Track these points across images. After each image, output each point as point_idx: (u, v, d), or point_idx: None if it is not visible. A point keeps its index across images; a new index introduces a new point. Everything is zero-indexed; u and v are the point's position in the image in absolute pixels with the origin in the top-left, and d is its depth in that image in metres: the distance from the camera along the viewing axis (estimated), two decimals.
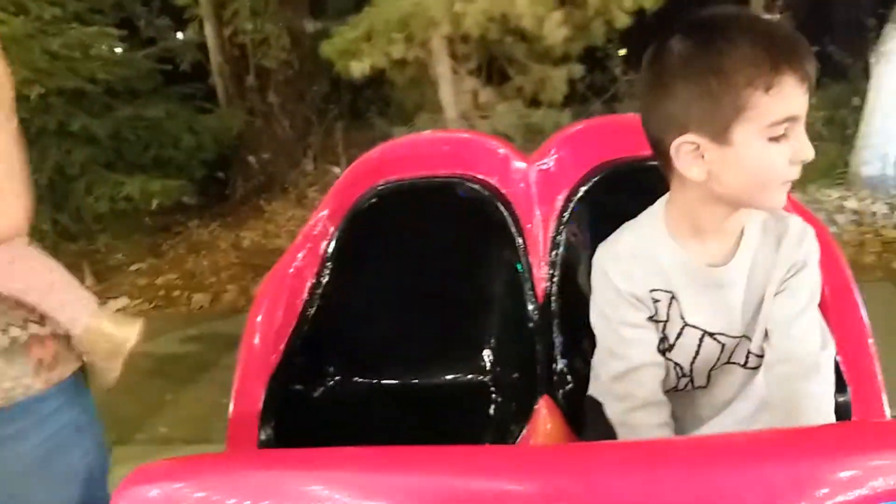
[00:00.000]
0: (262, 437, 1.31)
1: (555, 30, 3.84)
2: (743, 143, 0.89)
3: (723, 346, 1.06)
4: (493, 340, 1.59)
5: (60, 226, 3.67)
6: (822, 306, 1.08)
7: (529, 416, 1.31)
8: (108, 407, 2.73)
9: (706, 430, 1.13)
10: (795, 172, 0.91)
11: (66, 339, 1.16)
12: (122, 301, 3.42)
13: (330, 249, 1.49)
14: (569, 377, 1.34)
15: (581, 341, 1.29)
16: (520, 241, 1.46)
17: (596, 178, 1.43)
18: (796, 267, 1.02)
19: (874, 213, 3.82)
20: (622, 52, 4.96)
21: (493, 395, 1.54)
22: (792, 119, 0.88)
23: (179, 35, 5.21)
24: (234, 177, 4.66)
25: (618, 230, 1.08)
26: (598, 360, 1.11)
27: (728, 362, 1.08)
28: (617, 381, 1.06)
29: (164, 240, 4.06)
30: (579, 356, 1.31)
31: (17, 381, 1.08)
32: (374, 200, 1.51)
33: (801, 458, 0.68)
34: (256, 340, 1.36)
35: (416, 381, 1.58)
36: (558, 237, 1.42)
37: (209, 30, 4.86)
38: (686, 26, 0.93)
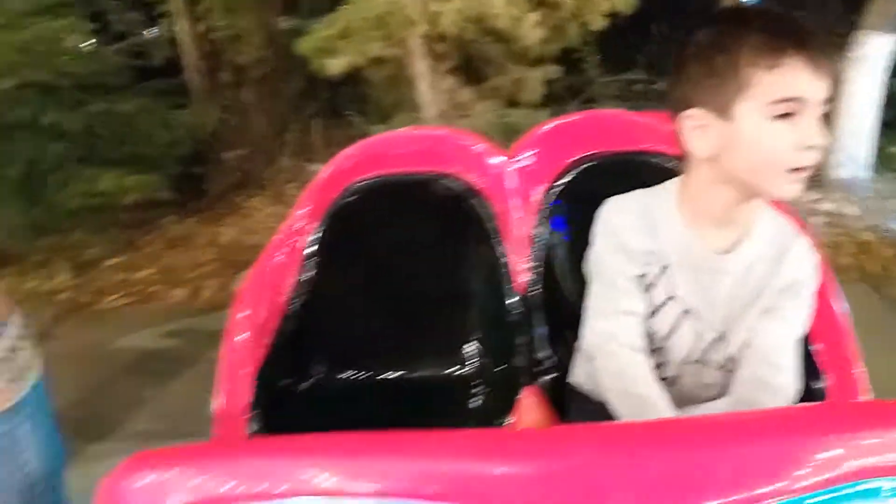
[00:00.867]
0: (251, 431, 1.33)
1: (531, 31, 3.88)
2: (744, 119, 0.93)
3: (699, 335, 1.08)
4: (475, 334, 1.62)
5: (33, 220, 3.64)
6: None
7: (514, 406, 1.34)
8: (85, 405, 2.73)
9: None
10: (806, 159, 0.92)
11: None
12: None
13: (310, 246, 1.51)
14: (551, 367, 1.38)
15: (563, 331, 1.32)
16: (498, 236, 1.49)
17: (574, 173, 1.47)
18: (796, 287, 1.04)
19: (848, 216, 3.91)
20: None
21: (478, 388, 1.58)
22: (797, 100, 0.91)
23: (154, 30, 5.17)
24: (210, 173, 4.64)
25: (630, 192, 1.10)
26: (590, 309, 1.10)
27: (699, 361, 1.09)
28: (605, 323, 1.06)
29: (141, 235, 4.04)
30: (562, 346, 1.35)
31: None
32: (353, 197, 1.54)
33: (781, 438, 0.70)
34: (240, 337, 1.38)
35: (401, 375, 1.61)
36: (537, 231, 1.46)
37: (182, 25, 4.83)
38: (707, 18, 0.99)
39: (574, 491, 0.69)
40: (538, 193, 1.48)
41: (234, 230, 4.16)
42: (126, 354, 3.12)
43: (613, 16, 4.11)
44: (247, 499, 0.74)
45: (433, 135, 1.67)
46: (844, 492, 0.68)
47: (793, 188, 0.94)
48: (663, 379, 1.09)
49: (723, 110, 0.93)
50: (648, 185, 1.10)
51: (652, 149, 1.41)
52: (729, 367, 1.08)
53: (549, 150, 1.49)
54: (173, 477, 0.76)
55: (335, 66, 3.89)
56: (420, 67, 4.03)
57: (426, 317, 1.58)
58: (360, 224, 1.53)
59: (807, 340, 1.15)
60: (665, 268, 1.05)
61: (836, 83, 4.04)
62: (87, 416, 2.67)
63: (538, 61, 4.37)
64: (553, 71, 4.43)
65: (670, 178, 1.08)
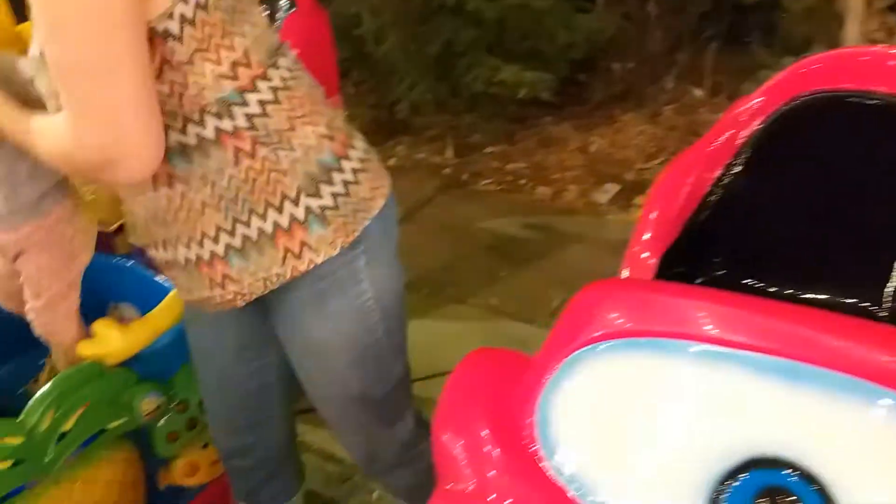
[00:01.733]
0: None
1: None
2: None
3: None
4: None
5: (437, 97, 4.01)
6: None
7: None
8: (444, 271, 3.02)
9: None
10: None
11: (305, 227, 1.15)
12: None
13: (748, 141, 1.44)
14: None
15: None
16: None
17: None
18: None
19: None
20: None
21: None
22: None
23: None
24: (594, 81, 4.67)
25: None
26: None
27: None
28: None
29: (519, 130, 4.25)
30: None
31: (269, 272, 1.13)
32: (810, 104, 1.41)
33: None
34: (655, 213, 1.38)
35: (799, 293, 1.48)
36: None
37: None
38: None
39: None
40: None
41: (604, 141, 4.18)
42: (487, 235, 3.39)
43: None
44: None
45: None
46: None
47: None
48: None
49: None
50: None
51: None
52: None
53: None
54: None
55: None
56: (854, 1, 3.57)
57: (850, 243, 1.42)
58: (810, 134, 1.41)
59: None
60: None
61: None
62: (444, 281, 2.99)
63: None
64: None
65: None
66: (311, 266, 1.14)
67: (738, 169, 1.43)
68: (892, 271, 1.43)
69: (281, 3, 2.47)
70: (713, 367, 0.82)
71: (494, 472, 0.90)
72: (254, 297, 1.17)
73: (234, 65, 1.06)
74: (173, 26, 1.00)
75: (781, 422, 0.79)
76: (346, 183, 1.16)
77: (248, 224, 1.10)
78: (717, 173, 1.44)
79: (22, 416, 1.32)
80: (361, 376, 1.28)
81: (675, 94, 4.60)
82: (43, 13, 0.97)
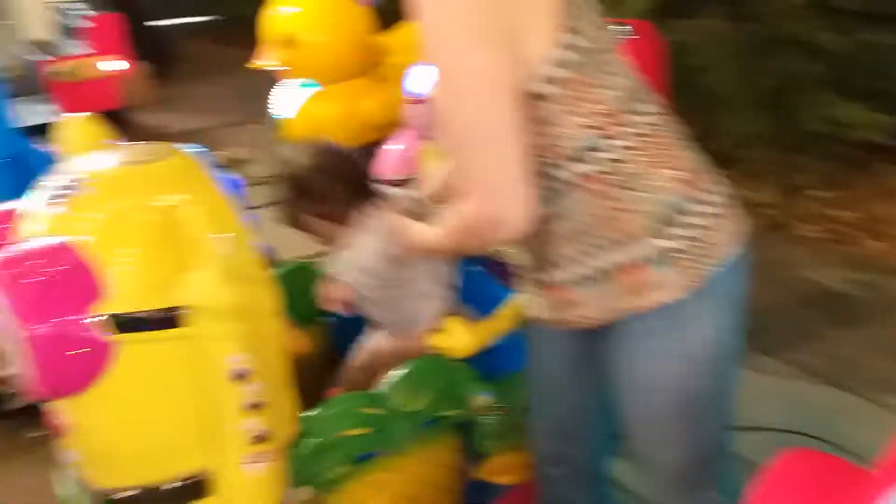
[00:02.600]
0: None
1: None
2: None
3: None
4: None
5: (761, 131, 3.80)
6: None
7: None
8: (758, 318, 2.84)
9: None
10: None
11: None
12: None
13: None
14: None
15: None
16: None
17: None
18: None
19: None
20: None
21: None
22: None
23: None
24: None
25: None
26: None
27: None
28: None
29: (851, 175, 3.88)
30: None
31: (611, 305, 1.17)
32: None
33: None
34: None
35: None
36: None
37: None
38: None
39: None
40: None
41: None
42: (807, 285, 3.14)
43: None
44: None
45: None
46: None
47: None
48: None
49: None
50: None
51: None
52: None
53: None
54: None
55: None
56: None
57: None
58: None
59: None
60: None
61: None
62: (754, 329, 2.80)
63: None
64: None
65: None
66: (654, 305, 1.16)
67: None
68: None
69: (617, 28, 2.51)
70: None
71: None
72: (593, 324, 1.22)
73: (598, 115, 1.10)
74: (544, 88, 1.07)
75: None
76: (697, 227, 1.15)
77: (595, 257, 1.16)
78: None
79: (386, 391, 1.49)
80: (679, 421, 1.26)
81: None
82: (441, 95, 1.07)
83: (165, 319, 1.13)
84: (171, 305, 1.13)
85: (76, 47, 4.59)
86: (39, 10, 4.87)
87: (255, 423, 1.22)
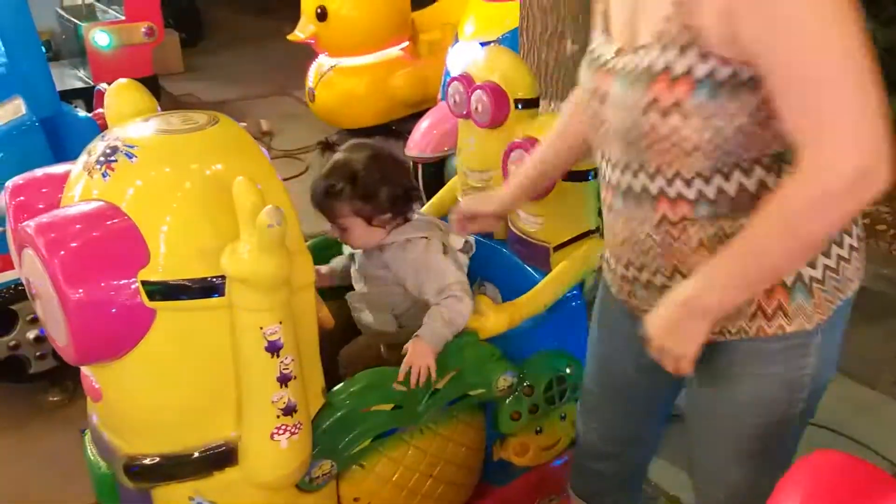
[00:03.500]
0: None
1: None
2: None
3: None
4: None
5: None
6: None
7: None
8: None
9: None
10: None
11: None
12: None
13: None
14: None
15: None
16: None
17: None
18: None
19: None
20: None
21: None
22: None
23: None
24: None
25: None
26: None
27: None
28: None
29: None
30: None
31: (734, 323, 1.10)
32: None
33: None
34: None
35: None
36: None
37: None
38: None
39: None
40: None
41: None
42: None
43: None
44: None
45: None
46: None
47: None
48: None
49: None
50: None
51: None
52: None
53: None
54: None
55: None
56: None
57: None
58: None
59: None
60: None
61: None
62: None
63: None
64: None
65: None
66: (778, 332, 1.11)
67: None
68: None
69: None
70: None
71: None
72: (710, 337, 1.12)
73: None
74: None
75: None
76: (839, 258, 1.11)
77: None
78: None
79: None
80: (760, 443, 1.21)
81: None
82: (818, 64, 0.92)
83: (206, 288, 1.14)
84: (212, 275, 1.14)
85: (112, 13, 4.60)
86: None
87: (285, 395, 1.23)
